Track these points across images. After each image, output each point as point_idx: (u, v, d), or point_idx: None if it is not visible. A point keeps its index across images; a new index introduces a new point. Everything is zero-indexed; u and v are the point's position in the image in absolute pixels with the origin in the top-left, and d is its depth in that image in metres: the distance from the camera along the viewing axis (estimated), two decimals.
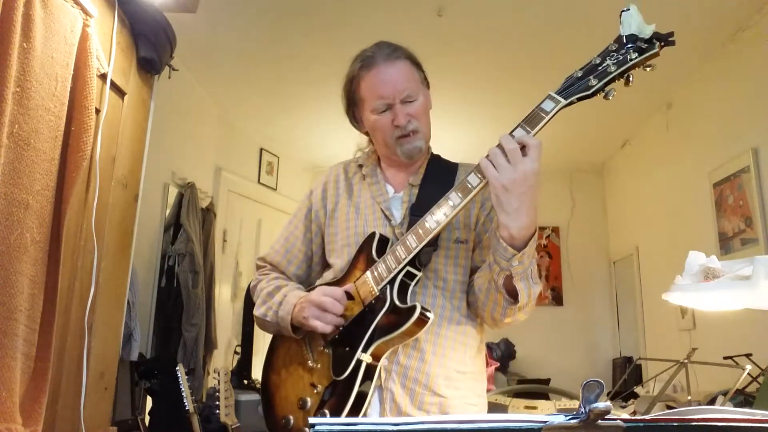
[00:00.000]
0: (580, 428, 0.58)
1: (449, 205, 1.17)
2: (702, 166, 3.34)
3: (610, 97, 1.12)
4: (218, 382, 2.30)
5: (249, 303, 3.94)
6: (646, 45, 1.10)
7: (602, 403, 0.57)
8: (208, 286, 3.55)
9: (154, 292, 3.26)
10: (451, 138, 4.32)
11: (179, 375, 2.22)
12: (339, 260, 1.38)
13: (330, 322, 1.24)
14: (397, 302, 1.22)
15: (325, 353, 1.28)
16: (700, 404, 2.31)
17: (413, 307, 1.20)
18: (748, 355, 2.45)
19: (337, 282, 1.34)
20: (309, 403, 1.26)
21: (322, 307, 1.24)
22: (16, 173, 1.23)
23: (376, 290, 1.23)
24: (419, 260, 1.25)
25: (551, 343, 4.91)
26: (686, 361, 2.34)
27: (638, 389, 3.37)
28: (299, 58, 3.43)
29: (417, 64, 1.39)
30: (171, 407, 2.54)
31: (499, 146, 1.10)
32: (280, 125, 4.44)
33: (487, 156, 1.11)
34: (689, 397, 2.44)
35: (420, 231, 1.19)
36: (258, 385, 3.37)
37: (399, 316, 1.20)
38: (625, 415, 1.34)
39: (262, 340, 4.45)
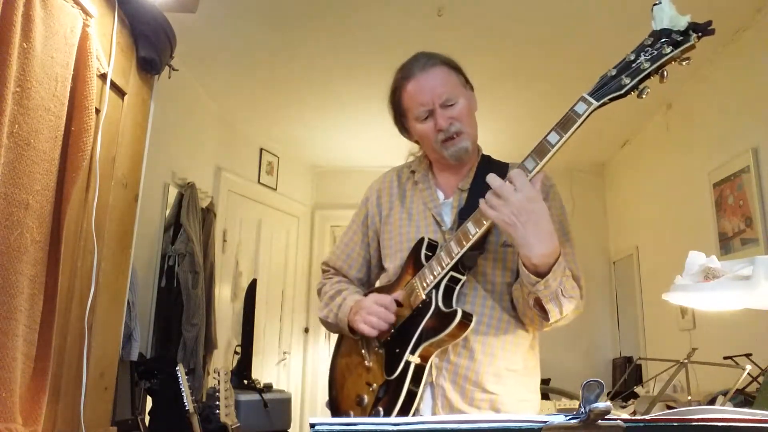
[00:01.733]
0: (580, 428, 0.58)
1: None
2: (702, 166, 3.34)
3: (644, 96, 1.11)
4: (218, 382, 2.30)
5: (249, 303, 3.94)
6: (681, 38, 1.08)
7: (602, 403, 0.57)
8: (208, 286, 3.55)
9: (154, 292, 3.26)
10: None
11: (179, 375, 2.22)
12: (392, 265, 1.44)
13: (376, 327, 1.30)
14: (441, 306, 1.26)
15: (379, 353, 1.34)
16: (700, 404, 2.31)
17: (454, 312, 1.24)
18: (748, 355, 2.45)
19: (390, 286, 1.41)
20: (365, 401, 1.32)
21: (371, 313, 1.31)
22: (16, 173, 1.23)
23: (423, 295, 1.29)
24: (463, 264, 1.28)
25: (551, 343, 4.89)
26: (686, 361, 2.34)
27: (638, 389, 3.37)
28: (300, 58, 3.42)
29: (455, 68, 1.44)
30: (171, 407, 2.54)
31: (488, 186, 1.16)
32: (280, 125, 4.44)
33: (484, 200, 1.17)
34: (689, 397, 2.44)
35: (461, 236, 1.23)
36: (258, 385, 3.37)
37: (442, 320, 1.24)
38: (625, 415, 1.34)
39: (262, 340, 4.45)
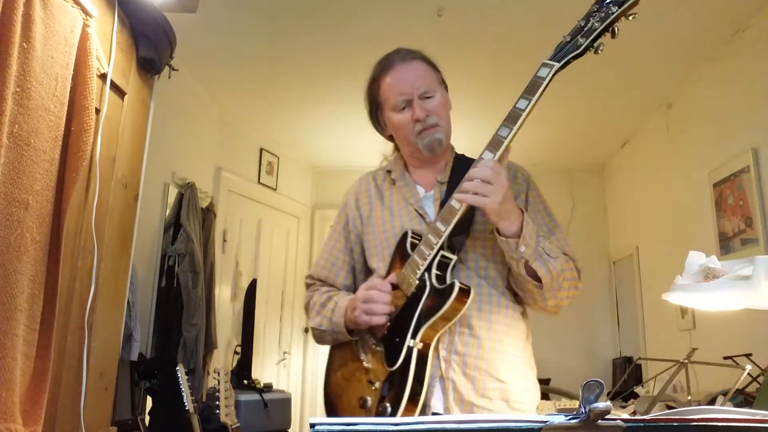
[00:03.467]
0: (580, 428, 0.58)
1: None
2: (702, 166, 3.34)
3: (600, 51, 1.18)
4: (218, 382, 2.30)
5: (249, 303, 3.94)
6: None
7: (602, 403, 0.57)
8: (208, 286, 3.55)
9: (154, 292, 3.26)
10: (452, 137, 4.32)
11: (179, 375, 2.22)
12: (381, 262, 1.42)
13: (379, 312, 1.29)
14: (436, 285, 1.26)
15: (377, 350, 1.31)
16: (700, 404, 2.31)
17: (452, 284, 1.23)
18: (748, 355, 2.45)
19: None
20: (369, 401, 1.29)
21: (370, 301, 1.29)
22: (16, 173, 1.22)
23: (416, 279, 1.27)
24: (452, 246, 1.30)
25: (551, 343, 4.90)
26: (686, 361, 2.34)
27: (638, 389, 3.37)
28: (299, 58, 3.42)
29: (433, 65, 1.47)
30: (171, 407, 2.54)
31: (470, 181, 1.20)
32: (280, 125, 4.44)
33: (466, 191, 1.20)
34: (689, 397, 2.44)
35: (447, 214, 1.24)
36: (258, 385, 3.37)
37: (440, 296, 1.24)
38: (625, 415, 1.34)
39: (262, 341, 4.45)
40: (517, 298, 1.40)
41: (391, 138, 1.54)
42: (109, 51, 1.61)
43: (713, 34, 3.04)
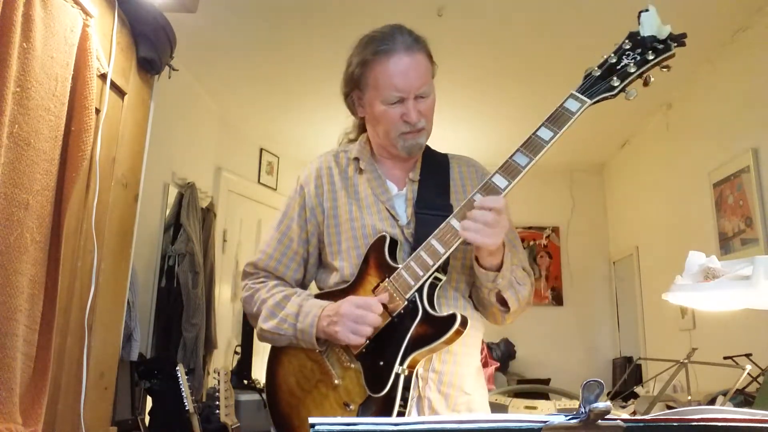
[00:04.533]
0: (580, 428, 0.58)
1: None
2: (702, 166, 3.34)
3: (631, 98, 1.14)
4: (218, 382, 2.30)
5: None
6: (662, 46, 1.12)
7: (602, 403, 0.57)
8: (208, 286, 3.55)
9: (154, 292, 3.26)
10: (451, 137, 4.32)
11: (179, 375, 2.22)
12: (346, 263, 1.30)
13: (365, 334, 1.17)
14: (429, 310, 1.18)
15: (352, 368, 1.20)
16: (700, 404, 2.31)
17: (451, 317, 1.15)
18: (748, 355, 2.45)
19: (350, 289, 1.27)
20: None
21: (361, 321, 1.16)
22: (16, 173, 1.23)
23: (404, 300, 1.18)
24: (443, 264, 1.21)
25: (551, 343, 4.90)
26: (686, 361, 2.34)
27: (638, 389, 3.38)
28: (299, 57, 3.43)
29: (430, 56, 1.35)
30: (171, 407, 2.54)
31: (473, 218, 1.13)
32: (280, 125, 4.44)
33: (468, 227, 1.13)
34: (689, 397, 2.44)
35: (448, 236, 1.16)
36: (258, 385, 3.37)
37: (435, 326, 1.16)
38: (625, 415, 1.34)
39: None
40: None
41: (362, 120, 1.41)
42: (109, 51, 1.61)
43: (713, 34, 3.04)
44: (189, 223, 3.40)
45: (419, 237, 1.23)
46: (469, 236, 1.12)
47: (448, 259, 1.19)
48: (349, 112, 1.42)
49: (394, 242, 1.25)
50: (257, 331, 1.32)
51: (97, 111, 1.56)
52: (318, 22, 3.06)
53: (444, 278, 1.23)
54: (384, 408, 1.15)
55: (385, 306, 1.19)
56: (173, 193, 3.48)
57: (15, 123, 1.22)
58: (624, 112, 4.03)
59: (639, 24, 1.15)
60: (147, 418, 2.79)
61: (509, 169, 1.14)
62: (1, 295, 1.18)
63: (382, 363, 1.17)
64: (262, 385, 3.38)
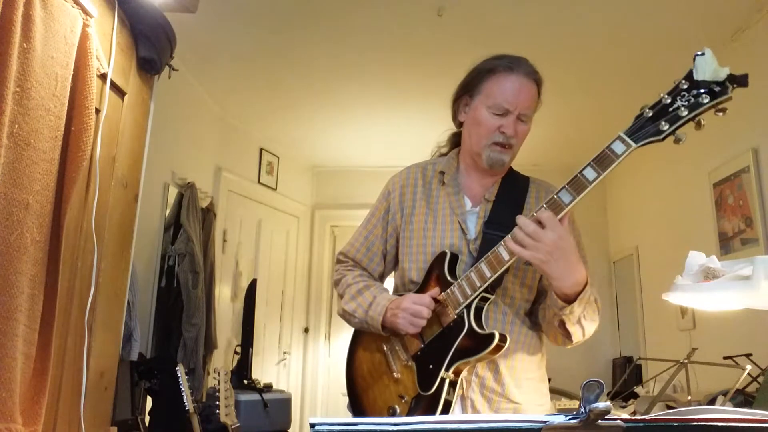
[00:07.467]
0: (580, 428, 0.58)
1: None
2: (702, 166, 3.34)
3: (681, 142, 1.15)
4: (218, 382, 2.31)
5: (249, 303, 3.94)
6: (719, 88, 1.11)
7: (602, 403, 0.57)
8: (208, 286, 3.55)
9: (154, 292, 3.26)
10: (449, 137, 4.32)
11: (179, 375, 2.23)
12: (413, 265, 1.47)
13: (420, 326, 1.35)
14: (474, 326, 1.31)
15: (409, 367, 1.38)
16: (700, 404, 2.31)
17: (491, 336, 1.28)
18: (748, 355, 2.45)
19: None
20: (398, 412, 1.36)
21: (417, 315, 1.35)
22: (16, 173, 1.22)
23: (454, 314, 1.33)
24: (491, 284, 1.32)
25: (551, 343, 4.90)
26: (686, 361, 2.34)
27: (638, 389, 3.38)
28: (299, 58, 3.42)
29: (540, 94, 1.46)
30: (171, 407, 2.54)
31: (520, 228, 1.21)
32: (280, 125, 4.44)
33: (514, 238, 1.22)
34: (689, 397, 2.44)
35: (494, 261, 1.28)
36: (258, 385, 3.37)
37: (477, 341, 1.29)
38: (625, 415, 1.34)
39: (262, 341, 4.45)
40: (536, 325, 1.45)
41: (460, 126, 1.54)
42: (109, 51, 1.61)
43: (713, 34, 3.04)
44: (189, 223, 3.40)
45: (483, 253, 1.34)
46: (511, 246, 1.22)
47: (497, 279, 1.31)
48: (451, 117, 1.56)
49: (454, 257, 1.40)
50: (339, 309, 1.56)
51: (97, 111, 1.56)
52: (318, 22, 3.06)
53: (492, 297, 1.35)
54: (430, 405, 1.30)
55: (438, 317, 1.37)
56: (173, 193, 3.48)
57: (15, 123, 1.22)
58: (624, 112, 4.03)
59: (693, 68, 1.11)
60: (147, 418, 2.79)
61: (554, 205, 1.22)
62: (1, 295, 1.18)
63: (431, 366, 1.33)
64: (262, 385, 3.39)
